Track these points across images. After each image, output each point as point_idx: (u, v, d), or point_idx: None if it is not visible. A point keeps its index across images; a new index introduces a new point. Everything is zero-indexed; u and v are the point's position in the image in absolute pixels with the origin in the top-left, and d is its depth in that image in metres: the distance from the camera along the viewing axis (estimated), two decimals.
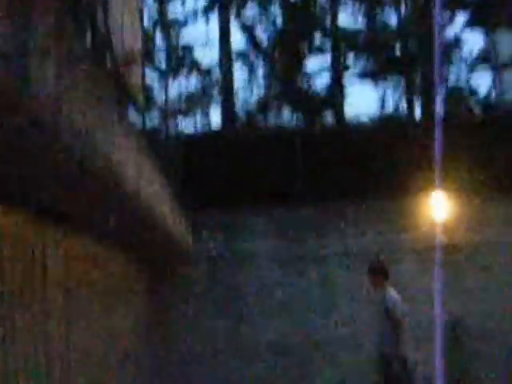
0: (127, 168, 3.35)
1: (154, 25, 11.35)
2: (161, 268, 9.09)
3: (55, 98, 2.12)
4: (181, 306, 9.15)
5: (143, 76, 9.05)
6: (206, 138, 9.47)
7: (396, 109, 12.69)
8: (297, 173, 9.18)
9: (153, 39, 11.23)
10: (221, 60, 11.13)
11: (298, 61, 11.18)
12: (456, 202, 9.54)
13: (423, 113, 11.62)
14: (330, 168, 9.28)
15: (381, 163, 9.41)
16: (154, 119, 10.66)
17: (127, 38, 7.69)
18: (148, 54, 10.42)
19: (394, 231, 9.61)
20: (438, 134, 8.64)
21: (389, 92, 12.20)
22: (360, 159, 9.40)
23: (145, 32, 10.10)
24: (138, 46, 8.61)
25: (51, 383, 4.15)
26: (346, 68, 11.63)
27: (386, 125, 10.06)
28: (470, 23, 11.26)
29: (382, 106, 13.22)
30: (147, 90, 9.68)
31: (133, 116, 7.97)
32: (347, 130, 9.77)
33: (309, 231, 9.52)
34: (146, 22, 10.54)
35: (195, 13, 11.41)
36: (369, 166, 9.36)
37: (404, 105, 12.78)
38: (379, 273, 7.97)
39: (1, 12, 1.48)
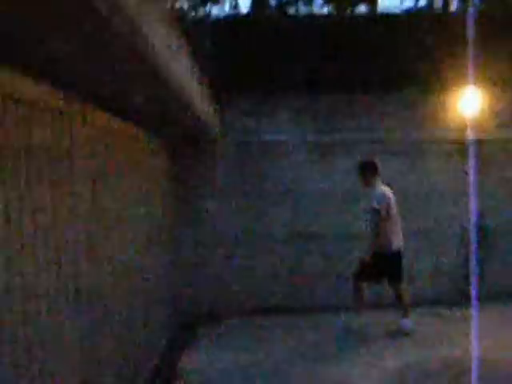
0: (157, 40, 3.37)
1: None
2: (187, 151, 9.22)
3: None
4: (206, 189, 9.34)
5: None
6: (236, 22, 9.30)
7: (431, 1, 12.29)
8: (326, 61, 9.06)
9: None
10: None
11: None
12: (487, 98, 9.43)
13: (458, 6, 11.25)
14: (360, 58, 9.14)
15: (412, 56, 9.24)
16: (183, 1, 10.44)
17: None
18: None
19: (423, 125, 9.57)
20: (471, 27, 8.43)
21: None
22: (391, 50, 9.23)
23: None
24: None
25: (79, 254, 4.35)
26: None
27: (420, 16, 9.79)
28: None
29: None
30: None
31: None
32: (379, 20, 9.52)
33: (336, 121, 9.52)
34: None
35: None
36: (400, 58, 9.20)
37: None
38: (368, 169, 8.06)
39: None
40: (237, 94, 9.26)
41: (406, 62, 9.15)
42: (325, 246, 9.38)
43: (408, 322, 8.08)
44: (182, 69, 4.34)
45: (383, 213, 7.87)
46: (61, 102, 4.01)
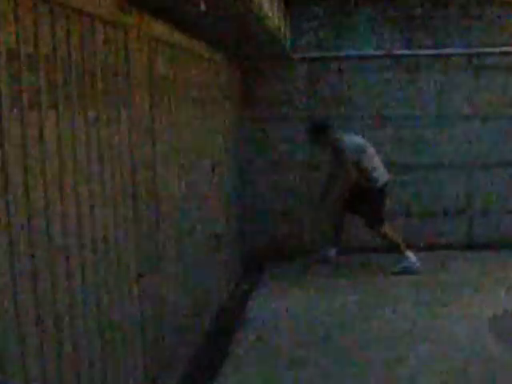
0: None
1: None
2: (256, 68, 8.53)
3: None
4: (276, 112, 8.60)
5: None
6: None
7: None
8: None
9: None
10: None
11: None
12: None
13: None
14: None
15: None
16: None
17: None
18: None
19: None
20: None
21: None
22: None
23: None
24: None
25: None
26: None
27: None
28: None
29: None
30: None
31: None
32: None
33: (426, 33, 8.57)
34: None
35: None
36: None
37: None
38: (319, 131, 7.69)
39: None
40: (310, 2, 8.36)
41: None
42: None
43: (412, 259, 7.67)
44: None
45: (350, 164, 7.48)
46: (116, 13, 3.62)
